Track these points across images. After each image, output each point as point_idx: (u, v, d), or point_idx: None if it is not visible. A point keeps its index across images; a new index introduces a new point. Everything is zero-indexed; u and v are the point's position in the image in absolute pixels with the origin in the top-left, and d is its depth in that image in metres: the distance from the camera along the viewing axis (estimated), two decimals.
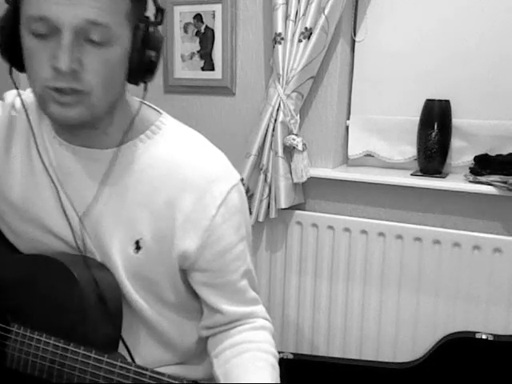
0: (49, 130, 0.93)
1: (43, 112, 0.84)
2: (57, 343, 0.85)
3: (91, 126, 0.86)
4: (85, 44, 0.77)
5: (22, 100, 0.92)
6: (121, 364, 0.82)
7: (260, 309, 1.01)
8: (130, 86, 0.90)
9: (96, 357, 0.83)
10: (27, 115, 0.92)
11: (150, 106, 0.98)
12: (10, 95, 0.99)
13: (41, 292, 0.89)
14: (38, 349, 0.86)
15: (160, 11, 0.85)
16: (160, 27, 0.87)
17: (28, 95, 0.96)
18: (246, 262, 0.97)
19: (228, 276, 0.95)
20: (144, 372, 0.81)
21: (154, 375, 0.80)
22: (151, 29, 0.84)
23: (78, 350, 0.84)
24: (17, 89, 0.91)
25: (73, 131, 0.89)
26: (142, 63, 0.84)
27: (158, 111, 0.98)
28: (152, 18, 0.85)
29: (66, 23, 0.75)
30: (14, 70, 0.86)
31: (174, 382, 0.80)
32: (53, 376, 0.85)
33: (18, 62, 0.83)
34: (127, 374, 0.81)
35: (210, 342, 1.01)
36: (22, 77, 0.85)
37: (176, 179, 0.90)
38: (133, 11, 0.81)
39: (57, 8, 0.74)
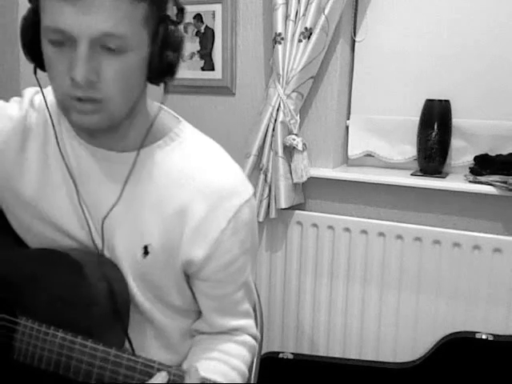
0: (69, 129, 0.93)
1: (65, 117, 0.85)
2: (64, 335, 0.85)
3: (111, 129, 0.87)
4: (101, 52, 0.77)
5: (44, 98, 0.91)
6: (128, 356, 0.83)
7: (249, 324, 1.01)
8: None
9: (104, 349, 0.84)
10: (49, 114, 0.92)
11: (170, 113, 0.98)
12: (29, 92, 0.98)
13: (49, 286, 0.89)
14: (45, 341, 0.86)
15: (180, 10, 0.84)
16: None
17: (50, 93, 0.94)
18: (245, 275, 0.98)
19: (226, 287, 0.96)
20: (151, 364, 0.82)
21: (161, 367, 0.81)
22: (171, 27, 0.83)
23: (85, 343, 0.84)
24: (40, 88, 0.91)
25: (93, 133, 0.89)
26: (162, 65, 0.83)
27: (177, 118, 0.98)
28: (172, 17, 0.84)
29: (81, 35, 0.75)
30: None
31: (180, 373, 0.81)
32: (60, 368, 0.85)
33: (41, 62, 0.82)
34: (135, 365, 0.82)
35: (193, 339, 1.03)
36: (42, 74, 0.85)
37: (189, 189, 0.90)
38: (150, 15, 0.79)
39: (72, 21, 0.74)
